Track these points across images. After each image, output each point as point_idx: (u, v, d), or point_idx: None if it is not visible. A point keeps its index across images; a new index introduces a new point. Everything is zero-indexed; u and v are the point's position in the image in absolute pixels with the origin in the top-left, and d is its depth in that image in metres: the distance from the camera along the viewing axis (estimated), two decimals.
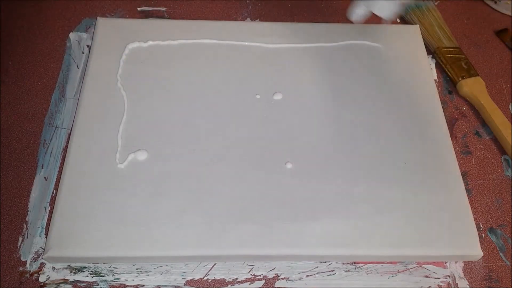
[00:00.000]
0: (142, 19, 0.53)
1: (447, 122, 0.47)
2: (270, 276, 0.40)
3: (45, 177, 0.43)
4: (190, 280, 0.39)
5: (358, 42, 0.52)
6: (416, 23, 0.54)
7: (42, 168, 0.43)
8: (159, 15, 0.55)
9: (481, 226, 0.43)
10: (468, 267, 0.41)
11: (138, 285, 0.39)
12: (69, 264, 0.39)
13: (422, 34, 0.53)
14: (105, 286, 0.38)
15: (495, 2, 0.58)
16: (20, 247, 0.40)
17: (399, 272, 0.40)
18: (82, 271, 0.39)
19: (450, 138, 0.45)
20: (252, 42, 0.51)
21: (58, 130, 0.46)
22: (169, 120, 0.45)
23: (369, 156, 0.44)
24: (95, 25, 0.51)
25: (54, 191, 0.42)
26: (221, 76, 0.48)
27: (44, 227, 0.40)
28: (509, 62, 0.54)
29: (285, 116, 0.46)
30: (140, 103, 0.46)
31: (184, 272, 0.39)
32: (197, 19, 0.54)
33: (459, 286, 0.40)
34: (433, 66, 0.53)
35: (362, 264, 0.40)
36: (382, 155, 0.44)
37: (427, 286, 0.40)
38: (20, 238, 0.40)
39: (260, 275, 0.40)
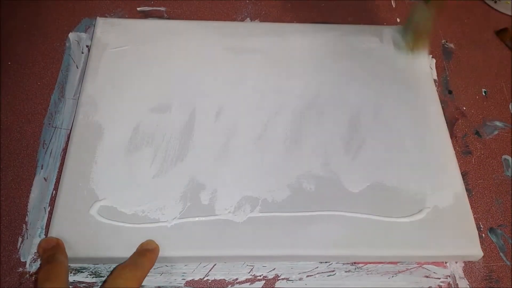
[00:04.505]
0: (142, 19, 0.53)
1: (447, 122, 0.47)
2: (270, 277, 0.39)
3: (44, 178, 0.43)
4: (190, 280, 0.39)
5: (358, 42, 0.51)
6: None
7: (42, 168, 0.43)
8: (159, 15, 0.55)
9: (481, 226, 0.43)
10: (469, 267, 0.41)
11: None
12: (69, 264, 0.39)
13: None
14: None
15: (495, 2, 0.58)
16: (19, 247, 0.40)
17: (399, 272, 0.40)
18: (82, 272, 0.39)
19: (450, 138, 0.45)
20: (252, 42, 0.51)
21: (57, 131, 0.46)
22: (169, 121, 0.45)
23: (369, 156, 0.44)
24: (94, 25, 0.51)
25: (54, 191, 0.42)
26: (221, 76, 0.48)
27: (44, 227, 0.40)
28: (509, 62, 0.54)
29: (286, 117, 0.46)
30: (141, 103, 0.45)
31: (184, 273, 0.39)
32: (197, 19, 0.54)
33: (459, 286, 0.40)
34: (433, 66, 0.53)
35: (363, 265, 0.40)
36: (382, 155, 0.44)
37: (428, 286, 0.40)
38: (20, 239, 0.40)
39: (260, 276, 0.39)
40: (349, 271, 0.40)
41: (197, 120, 0.45)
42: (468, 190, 0.44)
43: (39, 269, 0.38)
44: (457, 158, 0.44)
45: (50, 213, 0.41)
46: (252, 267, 0.40)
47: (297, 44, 0.51)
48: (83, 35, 0.52)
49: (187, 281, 0.39)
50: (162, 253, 0.38)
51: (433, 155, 0.44)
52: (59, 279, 0.33)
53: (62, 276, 0.33)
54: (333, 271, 0.40)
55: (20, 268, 0.39)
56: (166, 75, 0.48)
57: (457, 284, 0.40)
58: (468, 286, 0.40)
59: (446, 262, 0.41)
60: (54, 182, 0.43)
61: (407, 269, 0.40)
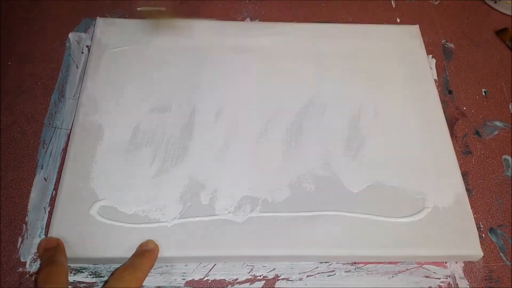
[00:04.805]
0: (142, 19, 0.53)
1: (447, 122, 0.47)
2: (270, 277, 0.39)
3: (44, 178, 0.43)
4: (190, 280, 0.39)
5: (358, 42, 0.51)
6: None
7: (42, 168, 0.43)
8: None
9: (481, 226, 0.43)
10: (469, 267, 0.41)
11: None
12: (69, 264, 0.39)
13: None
14: None
15: (495, 2, 0.58)
16: (19, 247, 0.40)
17: (399, 272, 0.40)
18: (82, 272, 0.39)
19: (450, 138, 0.45)
20: (251, 42, 0.50)
21: (57, 131, 0.46)
22: (169, 121, 0.45)
23: (370, 157, 0.44)
24: (94, 25, 0.51)
25: (54, 191, 0.42)
26: (221, 76, 0.48)
27: (44, 227, 0.40)
28: (509, 62, 0.54)
29: (286, 117, 0.46)
30: (141, 103, 0.45)
31: (184, 273, 0.39)
32: (196, 19, 0.54)
33: (459, 286, 0.40)
34: (433, 66, 0.53)
35: (363, 265, 0.40)
36: (382, 155, 0.44)
37: (428, 286, 0.40)
38: (20, 239, 0.40)
39: (260, 276, 0.39)
40: (349, 271, 0.40)
41: (197, 120, 0.45)
42: (468, 190, 0.44)
43: (38, 270, 0.38)
44: (457, 158, 0.44)
45: (50, 213, 0.41)
46: (252, 267, 0.40)
47: (297, 44, 0.51)
48: (83, 35, 0.52)
49: (187, 281, 0.39)
50: (162, 253, 0.38)
51: (433, 155, 0.44)
52: (58, 281, 0.33)
53: (62, 278, 0.33)
54: (333, 271, 0.40)
55: (20, 268, 0.39)
56: (166, 75, 0.48)
57: (457, 284, 0.40)
58: (468, 286, 0.40)
59: (446, 262, 0.41)
60: (54, 182, 0.43)
61: (407, 269, 0.40)
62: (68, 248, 0.37)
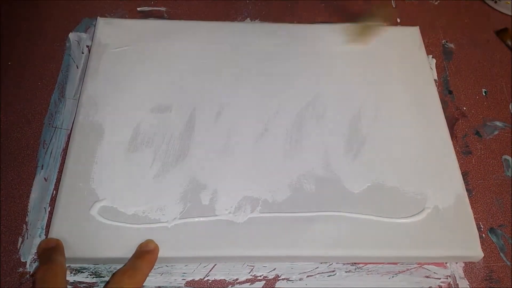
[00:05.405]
0: (142, 19, 0.53)
1: (447, 122, 0.47)
2: (270, 277, 0.39)
3: (45, 178, 0.43)
4: (190, 280, 0.39)
5: (358, 43, 0.51)
6: None
7: (42, 168, 0.43)
8: (159, 15, 0.55)
9: (482, 226, 0.43)
10: (469, 267, 0.41)
11: None
12: (69, 264, 0.39)
13: None
14: None
15: (495, 2, 0.58)
16: (20, 248, 0.40)
17: (399, 272, 0.40)
18: (82, 272, 0.39)
19: (450, 138, 0.45)
20: (252, 42, 0.50)
21: (57, 131, 0.46)
22: (169, 121, 0.45)
23: (370, 157, 0.44)
24: (95, 25, 0.51)
25: (54, 191, 0.42)
26: (221, 76, 0.48)
27: (44, 227, 0.40)
28: (509, 62, 0.54)
29: (286, 117, 0.46)
30: (141, 103, 0.45)
31: (184, 273, 0.39)
32: (197, 19, 0.54)
33: (459, 287, 0.40)
34: (433, 66, 0.53)
35: (363, 265, 0.40)
36: (382, 155, 0.44)
37: (428, 287, 0.40)
38: (20, 239, 0.40)
39: (260, 276, 0.39)
40: (349, 271, 0.40)
41: (198, 120, 0.45)
42: (468, 190, 0.44)
43: (36, 269, 0.38)
44: (457, 158, 0.44)
45: (50, 213, 0.41)
46: (252, 267, 0.40)
47: (297, 44, 0.51)
48: (83, 35, 0.52)
49: (187, 281, 0.39)
50: (162, 253, 0.38)
51: (434, 155, 0.44)
52: (57, 280, 0.33)
53: (60, 277, 0.33)
54: (334, 271, 0.40)
55: (20, 268, 0.39)
56: (166, 75, 0.48)
57: (457, 284, 0.40)
58: (468, 286, 0.40)
59: (446, 262, 0.41)
60: (54, 182, 0.43)
61: (408, 269, 0.40)
62: (69, 248, 0.37)
